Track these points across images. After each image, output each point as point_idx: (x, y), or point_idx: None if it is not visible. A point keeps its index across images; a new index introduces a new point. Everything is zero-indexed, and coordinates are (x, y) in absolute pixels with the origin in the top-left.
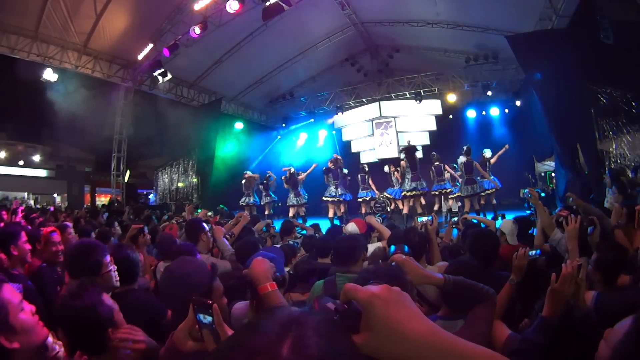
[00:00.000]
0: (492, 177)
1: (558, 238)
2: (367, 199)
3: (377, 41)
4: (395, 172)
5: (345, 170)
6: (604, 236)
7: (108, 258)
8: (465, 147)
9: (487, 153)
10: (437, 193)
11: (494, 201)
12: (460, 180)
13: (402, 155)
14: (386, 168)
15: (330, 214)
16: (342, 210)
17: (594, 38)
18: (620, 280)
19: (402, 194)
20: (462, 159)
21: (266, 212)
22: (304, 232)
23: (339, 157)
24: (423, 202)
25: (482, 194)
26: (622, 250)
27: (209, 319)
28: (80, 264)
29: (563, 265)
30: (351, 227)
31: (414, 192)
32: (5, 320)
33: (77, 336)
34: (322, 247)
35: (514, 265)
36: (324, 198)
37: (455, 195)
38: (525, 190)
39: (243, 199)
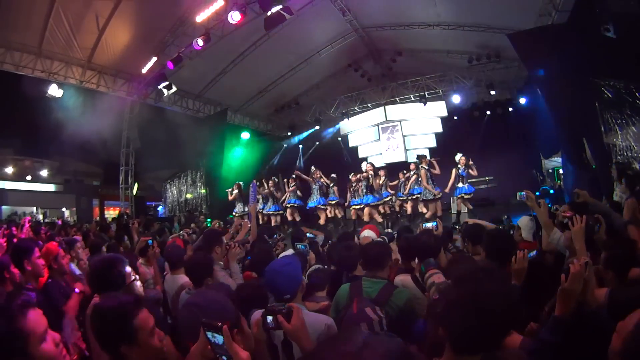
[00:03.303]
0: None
1: (557, 237)
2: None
3: (379, 45)
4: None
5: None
6: (610, 233)
7: (129, 269)
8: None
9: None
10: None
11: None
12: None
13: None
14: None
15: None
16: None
17: (594, 31)
18: (631, 273)
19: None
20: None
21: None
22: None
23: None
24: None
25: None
26: (631, 245)
27: (219, 338)
28: (105, 278)
29: (571, 265)
30: (367, 233)
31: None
32: (24, 350)
33: (98, 340)
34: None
35: (514, 269)
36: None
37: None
38: (522, 193)
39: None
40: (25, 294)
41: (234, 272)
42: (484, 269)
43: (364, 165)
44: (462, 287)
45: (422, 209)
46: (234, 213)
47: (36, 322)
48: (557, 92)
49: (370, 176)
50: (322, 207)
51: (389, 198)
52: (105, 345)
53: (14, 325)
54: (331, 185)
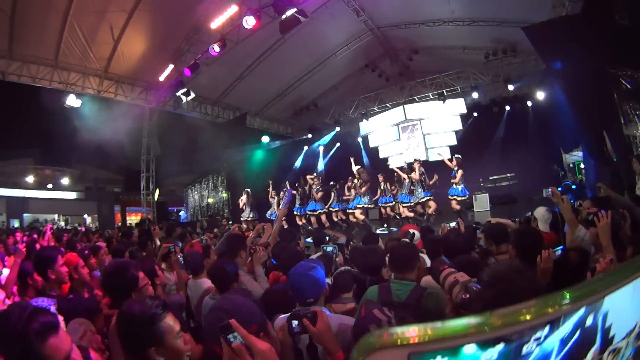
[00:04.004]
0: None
1: (582, 235)
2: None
3: (395, 44)
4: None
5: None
6: (635, 228)
7: (141, 274)
8: None
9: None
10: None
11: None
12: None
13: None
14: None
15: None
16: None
17: (609, 20)
18: None
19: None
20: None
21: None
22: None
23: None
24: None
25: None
26: None
27: (239, 338)
28: (118, 282)
29: (597, 264)
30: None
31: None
32: None
33: (125, 344)
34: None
35: (541, 268)
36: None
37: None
38: (548, 190)
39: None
40: (47, 310)
41: (258, 276)
42: (515, 268)
43: (354, 170)
44: (497, 287)
45: (406, 212)
46: (241, 219)
47: (56, 349)
48: (575, 85)
49: (357, 181)
50: (311, 212)
51: (391, 203)
52: (132, 349)
53: (30, 351)
54: (332, 191)
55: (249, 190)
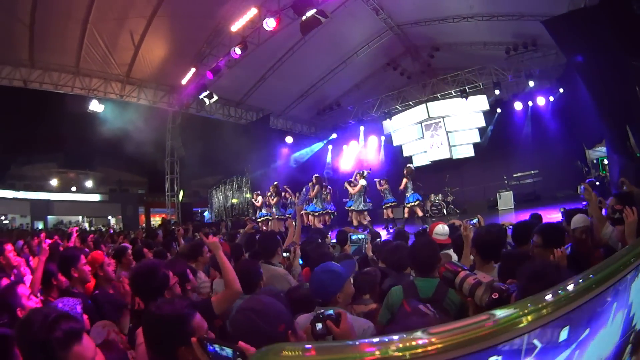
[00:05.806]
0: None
1: (609, 232)
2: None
3: (415, 42)
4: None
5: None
6: None
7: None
8: None
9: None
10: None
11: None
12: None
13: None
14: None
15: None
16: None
17: (627, 10)
18: None
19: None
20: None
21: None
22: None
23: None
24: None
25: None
26: None
27: (227, 351)
28: (151, 281)
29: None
30: (443, 229)
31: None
32: None
33: (153, 345)
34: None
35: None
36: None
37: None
38: (582, 187)
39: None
40: (70, 316)
41: (295, 272)
42: (551, 264)
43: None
44: (544, 280)
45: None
46: (258, 219)
47: (80, 357)
48: (596, 78)
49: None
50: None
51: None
52: (161, 350)
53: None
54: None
55: (258, 192)
